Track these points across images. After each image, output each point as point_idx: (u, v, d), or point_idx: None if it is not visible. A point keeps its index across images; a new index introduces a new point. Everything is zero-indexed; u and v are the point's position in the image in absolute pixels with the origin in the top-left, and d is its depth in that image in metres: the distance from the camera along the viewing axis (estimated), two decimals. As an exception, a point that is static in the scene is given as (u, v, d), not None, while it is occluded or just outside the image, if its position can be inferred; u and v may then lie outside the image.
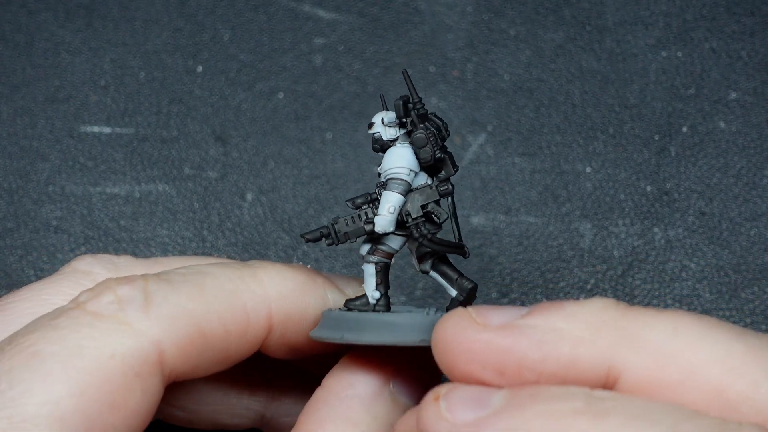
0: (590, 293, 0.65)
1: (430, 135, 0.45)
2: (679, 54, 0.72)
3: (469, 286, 0.46)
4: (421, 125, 0.45)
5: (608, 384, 0.38)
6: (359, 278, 0.47)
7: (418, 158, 0.45)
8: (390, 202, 0.45)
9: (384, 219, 0.45)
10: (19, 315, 0.45)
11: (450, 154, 0.46)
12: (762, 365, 0.36)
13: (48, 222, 0.66)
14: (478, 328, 0.38)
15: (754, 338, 0.37)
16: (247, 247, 0.66)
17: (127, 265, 0.47)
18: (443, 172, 0.46)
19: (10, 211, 0.67)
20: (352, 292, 0.47)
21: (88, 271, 0.47)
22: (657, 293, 0.65)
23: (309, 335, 0.45)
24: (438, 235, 0.45)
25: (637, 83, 0.71)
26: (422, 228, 0.45)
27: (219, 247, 0.66)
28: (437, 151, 0.45)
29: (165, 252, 0.66)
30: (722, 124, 0.69)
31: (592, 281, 0.65)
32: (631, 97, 0.70)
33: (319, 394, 0.44)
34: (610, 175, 0.68)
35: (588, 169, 0.68)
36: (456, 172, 0.46)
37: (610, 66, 0.71)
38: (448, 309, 0.45)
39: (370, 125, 0.46)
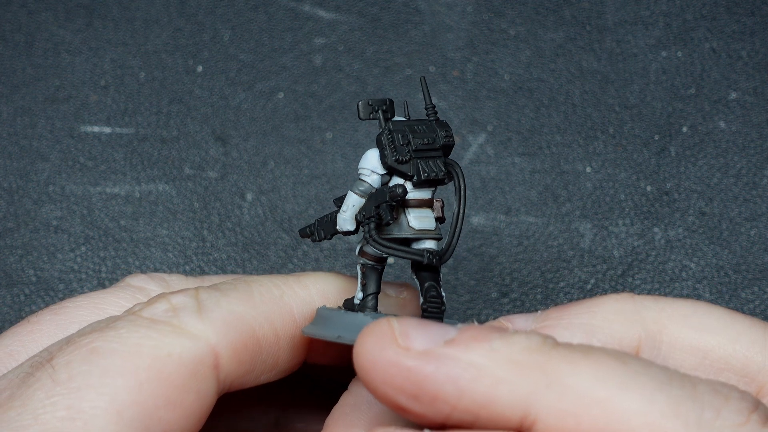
0: (590, 293, 0.65)
1: (389, 139, 0.45)
2: (680, 54, 0.72)
3: (433, 296, 0.45)
4: (386, 128, 0.45)
5: (523, 429, 0.37)
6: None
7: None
8: (348, 202, 0.45)
9: (341, 217, 0.45)
10: (74, 320, 0.46)
11: (416, 163, 0.45)
12: (682, 420, 0.35)
13: (48, 222, 0.66)
14: (398, 351, 0.37)
15: (680, 388, 0.36)
16: (247, 247, 0.66)
17: (178, 282, 0.49)
18: (415, 178, 0.45)
19: (10, 211, 0.67)
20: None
21: (142, 287, 0.48)
22: (657, 293, 0.65)
23: (301, 332, 0.45)
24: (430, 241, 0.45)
25: (637, 83, 0.71)
26: (367, 228, 0.44)
27: (219, 246, 0.66)
28: (397, 156, 0.44)
29: (165, 252, 0.66)
30: (722, 124, 0.69)
31: (592, 281, 0.65)
32: (631, 97, 0.70)
33: (347, 398, 0.44)
34: (610, 175, 0.68)
35: (588, 169, 0.68)
36: (413, 179, 0.45)
37: (610, 66, 0.71)
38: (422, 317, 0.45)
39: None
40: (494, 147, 0.69)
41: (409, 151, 0.45)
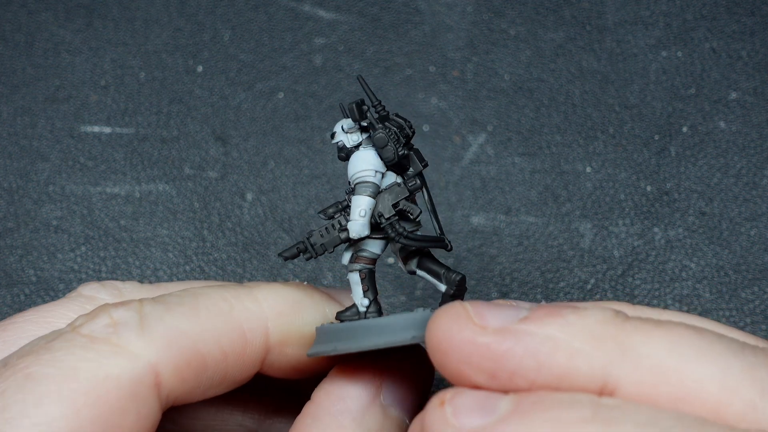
0: (590, 293, 0.65)
1: (390, 134, 0.45)
2: (680, 54, 0.72)
3: (458, 278, 0.45)
4: (380, 125, 0.45)
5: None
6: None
7: (382, 159, 0.45)
8: (360, 206, 0.44)
9: (356, 224, 0.44)
10: (20, 336, 0.44)
11: (416, 150, 0.45)
12: (759, 385, 0.36)
13: (48, 222, 0.66)
14: (475, 329, 0.37)
15: (753, 355, 0.37)
16: (247, 247, 0.66)
17: (131, 291, 0.47)
18: (411, 169, 0.46)
19: (10, 211, 0.67)
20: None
21: (93, 296, 0.47)
22: (657, 293, 0.65)
23: (306, 354, 0.44)
24: (418, 232, 0.45)
25: (637, 83, 0.71)
26: (397, 226, 0.44)
27: (219, 246, 0.66)
28: (400, 149, 0.44)
29: (165, 252, 0.66)
30: (722, 124, 0.69)
31: (592, 281, 0.65)
32: (631, 97, 0.70)
33: (309, 409, 0.44)
34: (610, 175, 0.68)
35: (588, 169, 0.68)
36: (425, 166, 0.45)
37: (611, 66, 0.71)
38: (441, 305, 0.45)
39: (333, 135, 0.45)
40: (494, 147, 0.69)
41: (405, 144, 0.45)
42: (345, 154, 0.45)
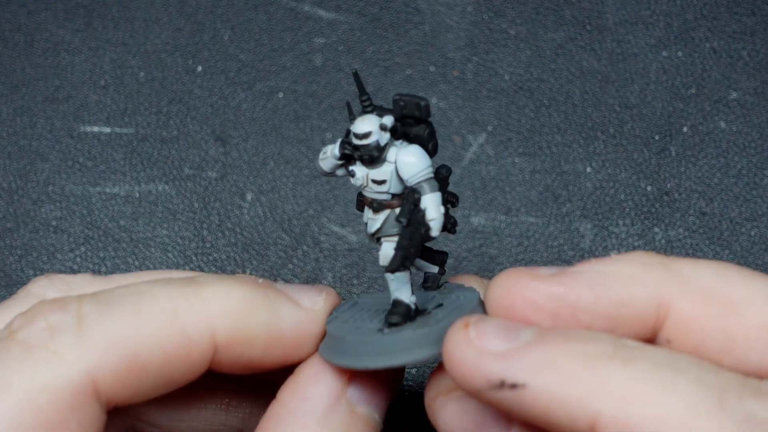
0: (590, 293, 0.65)
1: (432, 132, 0.45)
2: (680, 54, 0.72)
3: (445, 257, 0.48)
4: (428, 124, 0.45)
5: (658, 321, 0.39)
6: (316, 286, 0.46)
7: (428, 152, 0.45)
8: (437, 204, 0.44)
9: (438, 222, 0.44)
10: None
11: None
12: None
13: (48, 222, 0.66)
14: (533, 276, 0.40)
15: None
16: (247, 247, 0.66)
17: (82, 285, 0.45)
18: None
19: (10, 211, 0.67)
20: (309, 303, 0.44)
21: (42, 294, 0.45)
22: (657, 293, 0.64)
23: (328, 361, 0.43)
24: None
25: (637, 83, 0.71)
26: (450, 217, 0.46)
27: (219, 247, 0.66)
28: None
29: (165, 252, 0.66)
30: (723, 124, 0.69)
31: (593, 281, 0.65)
32: (631, 97, 0.70)
33: (274, 409, 0.43)
34: (611, 175, 0.68)
35: (588, 169, 0.68)
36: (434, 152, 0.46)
37: (611, 66, 0.71)
38: (426, 285, 0.47)
39: (366, 135, 0.44)
40: (494, 147, 0.69)
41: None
42: (379, 153, 0.44)
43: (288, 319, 0.43)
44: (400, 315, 0.44)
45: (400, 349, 0.42)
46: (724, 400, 0.36)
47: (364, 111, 0.44)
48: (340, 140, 0.45)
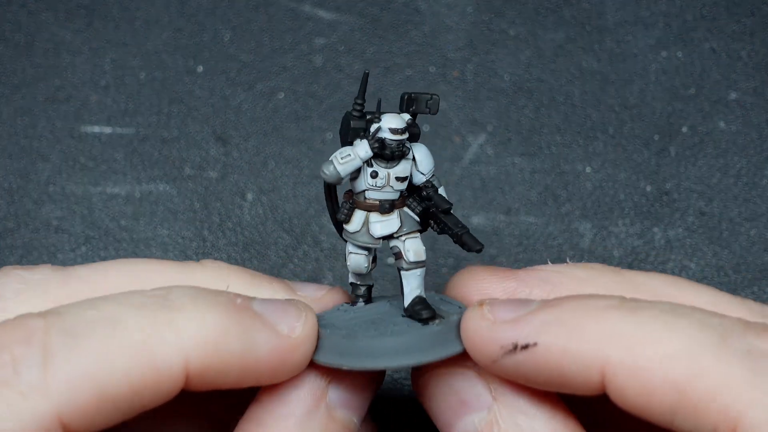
0: (590, 293, 0.65)
1: None
2: (679, 54, 0.72)
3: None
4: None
5: None
6: (295, 304, 0.44)
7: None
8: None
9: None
10: None
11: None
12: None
13: (48, 222, 0.66)
14: (490, 271, 0.46)
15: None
16: (248, 247, 0.66)
17: (41, 281, 0.43)
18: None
19: (11, 211, 0.67)
20: (287, 330, 0.42)
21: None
22: (657, 293, 0.65)
23: (316, 360, 0.43)
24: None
25: (637, 83, 0.71)
26: None
27: (219, 246, 0.66)
28: None
29: (165, 252, 0.66)
30: (722, 124, 0.69)
31: (592, 281, 0.65)
32: (631, 97, 0.70)
33: (254, 411, 0.43)
34: (610, 175, 0.68)
35: (588, 169, 0.68)
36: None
37: (610, 66, 0.71)
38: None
39: (404, 131, 0.45)
40: (494, 147, 0.69)
41: None
42: (407, 149, 0.46)
43: (264, 347, 0.41)
44: (431, 309, 0.45)
45: (441, 343, 0.43)
46: (727, 338, 0.37)
47: (354, 113, 0.45)
48: (362, 140, 0.45)
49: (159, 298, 0.41)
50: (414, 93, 0.45)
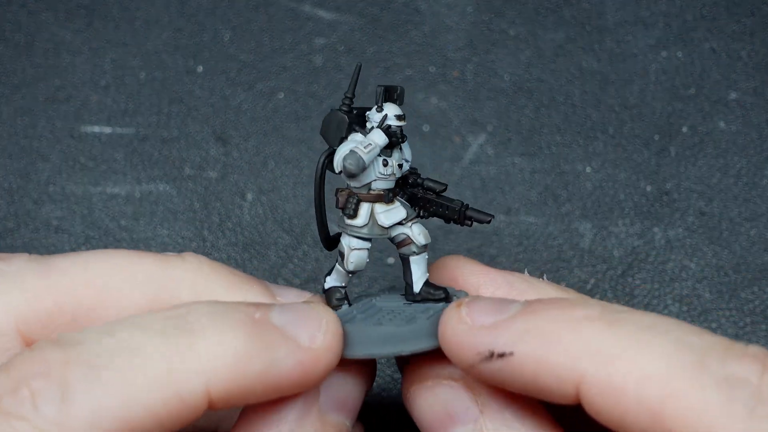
0: (590, 293, 0.65)
1: None
2: (679, 54, 0.72)
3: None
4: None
5: None
6: (315, 313, 0.43)
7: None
8: None
9: None
10: None
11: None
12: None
13: (48, 222, 0.66)
14: (466, 260, 0.48)
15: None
16: (248, 247, 0.66)
17: (18, 272, 0.43)
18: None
19: (11, 211, 0.67)
20: (308, 341, 0.42)
21: None
22: (657, 293, 0.65)
23: (351, 356, 0.43)
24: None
25: (637, 83, 0.71)
26: None
27: (219, 246, 0.66)
28: None
29: (165, 251, 0.66)
30: (722, 124, 0.69)
31: (592, 281, 0.65)
32: (631, 97, 0.70)
33: (247, 415, 0.43)
34: (610, 175, 0.68)
35: (588, 169, 0.68)
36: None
37: (610, 66, 0.71)
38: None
39: (404, 117, 0.46)
40: (494, 147, 0.69)
41: None
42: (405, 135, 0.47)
43: (286, 362, 0.41)
44: (443, 289, 0.46)
45: None
46: (705, 360, 0.36)
47: (342, 107, 0.45)
48: (375, 129, 0.45)
49: (178, 321, 0.40)
50: (387, 85, 0.46)
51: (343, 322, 0.44)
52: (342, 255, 0.46)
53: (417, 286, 0.46)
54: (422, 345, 0.43)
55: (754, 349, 0.37)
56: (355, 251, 0.46)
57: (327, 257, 0.66)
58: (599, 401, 0.37)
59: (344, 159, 0.44)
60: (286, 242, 0.66)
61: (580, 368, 0.37)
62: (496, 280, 0.46)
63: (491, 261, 0.65)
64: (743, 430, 0.34)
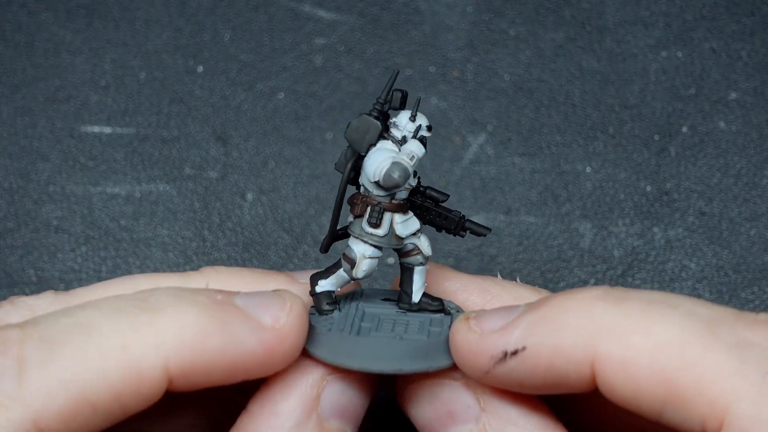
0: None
1: None
2: (679, 54, 0.72)
3: None
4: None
5: None
6: (280, 295, 0.43)
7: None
8: None
9: None
10: None
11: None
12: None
13: (48, 222, 0.66)
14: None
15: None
16: (248, 247, 0.66)
17: (44, 306, 0.44)
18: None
19: (11, 211, 0.67)
20: (271, 321, 0.42)
21: (5, 319, 0.43)
22: (657, 293, 0.65)
23: (309, 352, 0.42)
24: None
25: (637, 83, 0.71)
26: None
27: (219, 246, 0.66)
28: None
29: (165, 252, 0.66)
30: (722, 124, 0.69)
31: (592, 281, 0.65)
32: (631, 97, 0.70)
33: (243, 421, 0.42)
34: (610, 175, 0.68)
35: (588, 169, 0.68)
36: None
37: (610, 66, 0.71)
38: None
39: (415, 117, 0.45)
40: (494, 147, 0.69)
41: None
42: None
43: (247, 341, 0.41)
44: (440, 301, 0.46)
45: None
46: (716, 328, 0.36)
47: (373, 112, 0.44)
48: (413, 140, 0.45)
49: (139, 301, 0.40)
50: (401, 89, 0.45)
51: (348, 330, 0.44)
52: (351, 261, 0.45)
53: (417, 297, 0.46)
54: (437, 363, 0.42)
55: (764, 316, 0.37)
56: (368, 260, 0.45)
57: (327, 257, 0.66)
58: (613, 378, 0.37)
59: (391, 171, 0.43)
60: (286, 242, 0.66)
61: (592, 347, 0.38)
62: (469, 286, 0.47)
63: (491, 261, 0.65)
64: (756, 393, 0.35)
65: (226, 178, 0.68)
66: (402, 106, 0.45)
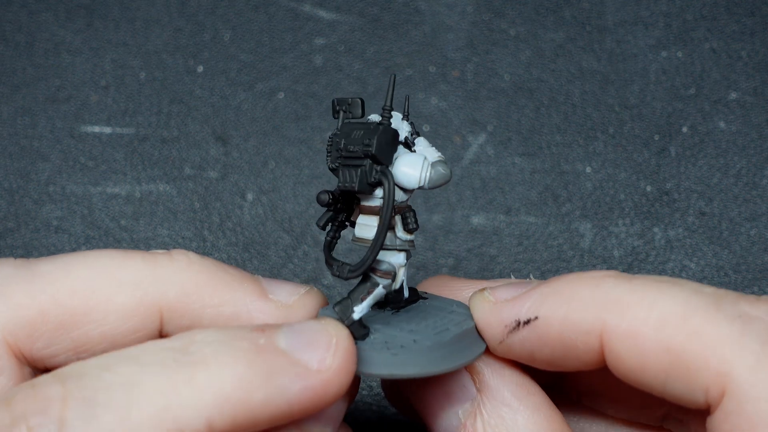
0: (590, 293, 0.65)
1: (328, 144, 0.44)
2: (680, 54, 0.72)
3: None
4: (333, 132, 0.44)
5: None
6: (327, 332, 0.41)
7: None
8: None
9: None
10: None
11: (341, 170, 0.44)
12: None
13: (49, 222, 0.66)
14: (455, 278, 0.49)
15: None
16: (248, 247, 0.66)
17: (3, 280, 0.42)
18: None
19: (11, 211, 0.67)
20: (317, 364, 0.40)
21: None
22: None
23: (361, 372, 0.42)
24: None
25: (637, 83, 0.71)
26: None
27: (219, 246, 0.66)
28: (329, 163, 0.44)
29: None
30: (722, 124, 0.69)
31: (592, 281, 0.65)
32: (631, 97, 0.70)
33: None
34: (610, 175, 0.68)
35: (588, 169, 0.68)
36: (339, 188, 0.44)
37: (610, 66, 0.71)
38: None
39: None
40: (494, 147, 0.69)
41: (339, 157, 0.43)
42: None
43: (292, 389, 0.39)
44: (424, 293, 0.47)
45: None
46: (720, 303, 0.38)
47: (382, 120, 0.43)
48: (431, 147, 0.44)
49: (179, 353, 0.39)
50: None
51: (385, 345, 0.43)
52: (388, 275, 0.44)
53: (407, 292, 0.46)
54: (474, 353, 0.43)
55: (766, 297, 0.39)
56: (403, 268, 0.45)
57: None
58: (621, 349, 0.39)
59: (437, 168, 0.43)
60: (286, 242, 0.66)
61: (601, 318, 0.39)
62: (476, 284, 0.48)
63: (491, 261, 0.65)
64: (755, 362, 0.36)
65: (226, 178, 0.68)
66: (362, 114, 0.44)
